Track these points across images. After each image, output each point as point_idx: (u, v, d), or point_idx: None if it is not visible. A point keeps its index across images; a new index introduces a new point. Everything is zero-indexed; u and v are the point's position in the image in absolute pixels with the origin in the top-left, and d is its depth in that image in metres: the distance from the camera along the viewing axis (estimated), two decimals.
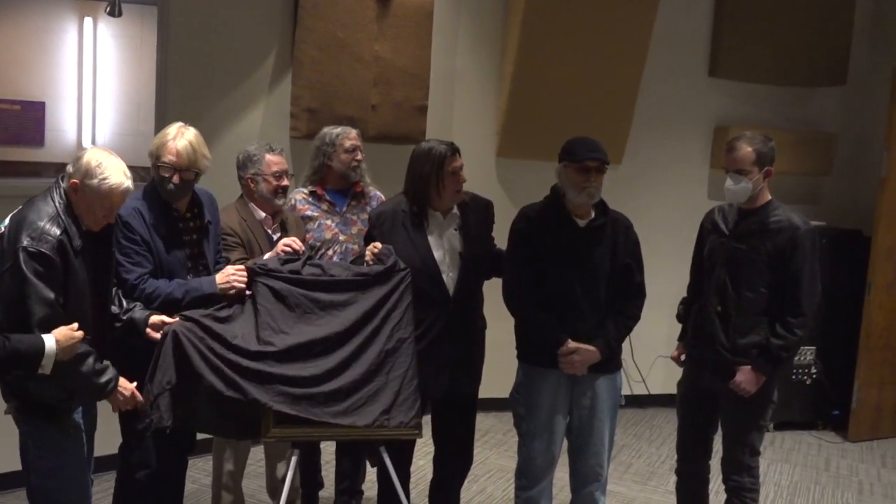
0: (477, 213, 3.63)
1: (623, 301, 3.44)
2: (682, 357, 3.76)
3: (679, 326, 3.81)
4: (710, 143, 6.34)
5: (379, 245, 3.40)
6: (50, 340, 2.56)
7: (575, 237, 3.38)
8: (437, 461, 3.84)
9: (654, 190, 6.22)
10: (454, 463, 3.81)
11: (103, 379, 2.75)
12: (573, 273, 3.36)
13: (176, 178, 3.12)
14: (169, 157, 3.10)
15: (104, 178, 2.70)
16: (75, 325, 2.64)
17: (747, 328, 3.45)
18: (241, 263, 3.35)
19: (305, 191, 3.96)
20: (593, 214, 3.41)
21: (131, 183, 2.77)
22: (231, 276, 3.14)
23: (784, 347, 3.40)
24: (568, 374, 3.38)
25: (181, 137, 3.12)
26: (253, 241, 3.61)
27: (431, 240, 3.52)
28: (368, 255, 3.39)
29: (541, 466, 3.48)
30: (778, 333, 3.40)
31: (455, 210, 3.57)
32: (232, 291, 3.14)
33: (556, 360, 3.36)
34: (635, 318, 3.48)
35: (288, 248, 3.39)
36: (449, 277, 3.52)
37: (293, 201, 3.89)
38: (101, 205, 2.74)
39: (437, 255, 3.51)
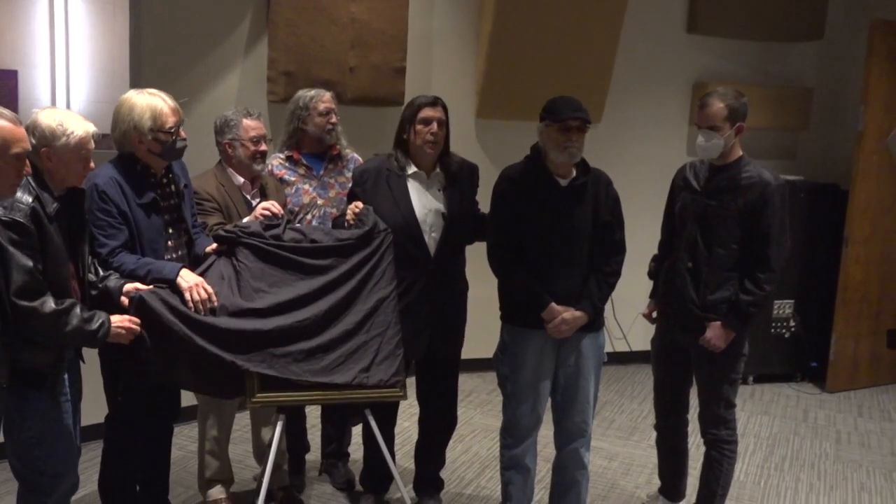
0: (462, 176, 3.63)
1: (603, 258, 3.44)
2: (654, 314, 3.80)
3: (652, 284, 3.84)
4: (689, 99, 6.34)
5: (360, 204, 3.41)
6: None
7: (557, 197, 3.37)
8: (422, 422, 3.89)
9: (634, 147, 6.22)
10: (439, 424, 3.85)
11: (94, 325, 2.73)
12: (556, 233, 3.36)
13: (183, 134, 3.16)
14: (172, 120, 3.11)
15: (71, 133, 2.73)
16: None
17: (717, 284, 3.47)
18: (220, 227, 3.34)
19: (282, 155, 3.94)
20: (574, 173, 3.41)
21: (92, 125, 2.81)
22: (194, 284, 3.03)
23: (753, 303, 3.43)
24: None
25: (164, 98, 3.13)
26: (231, 207, 3.59)
27: (414, 199, 3.52)
28: (349, 215, 3.40)
29: (526, 426, 3.51)
30: (747, 289, 3.43)
31: (439, 170, 3.57)
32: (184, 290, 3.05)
33: (540, 321, 3.38)
34: (616, 274, 3.49)
35: (266, 212, 3.38)
36: (431, 238, 3.54)
37: (270, 166, 3.87)
38: (78, 158, 2.77)
39: (420, 214, 3.51)
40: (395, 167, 3.53)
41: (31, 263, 2.59)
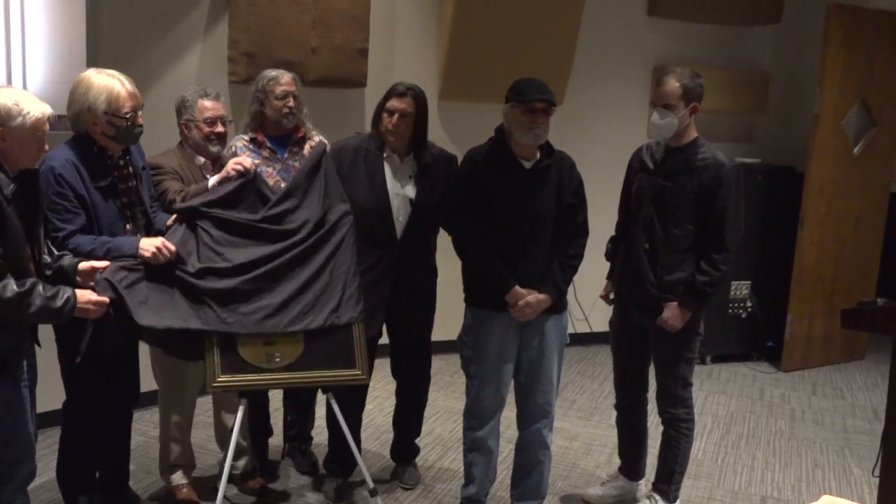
0: (437, 167, 3.67)
1: (567, 240, 3.47)
2: (611, 296, 3.84)
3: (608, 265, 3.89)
4: (650, 82, 6.37)
5: (244, 162, 3.38)
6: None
7: (521, 179, 3.39)
8: (399, 394, 4.05)
9: (595, 129, 6.26)
10: (411, 398, 4.02)
11: (60, 301, 2.69)
12: (521, 215, 3.38)
13: (140, 120, 3.12)
14: (129, 105, 3.08)
15: (28, 114, 2.68)
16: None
17: (674, 265, 3.52)
18: (179, 198, 3.35)
19: (246, 137, 3.88)
20: (538, 155, 3.42)
21: (48, 106, 2.76)
22: (155, 246, 3.06)
23: (709, 283, 3.48)
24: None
25: (123, 81, 3.09)
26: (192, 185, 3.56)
27: (388, 181, 3.58)
28: (230, 167, 3.38)
29: (489, 407, 3.54)
30: (703, 269, 3.48)
31: (412, 157, 3.61)
32: (150, 258, 3.06)
33: (504, 304, 3.39)
34: (579, 256, 3.51)
35: (239, 167, 3.36)
36: (398, 222, 3.58)
37: (234, 149, 3.82)
38: (34, 139, 2.72)
39: (390, 196, 3.58)
40: (373, 147, 3.59)
41: None
